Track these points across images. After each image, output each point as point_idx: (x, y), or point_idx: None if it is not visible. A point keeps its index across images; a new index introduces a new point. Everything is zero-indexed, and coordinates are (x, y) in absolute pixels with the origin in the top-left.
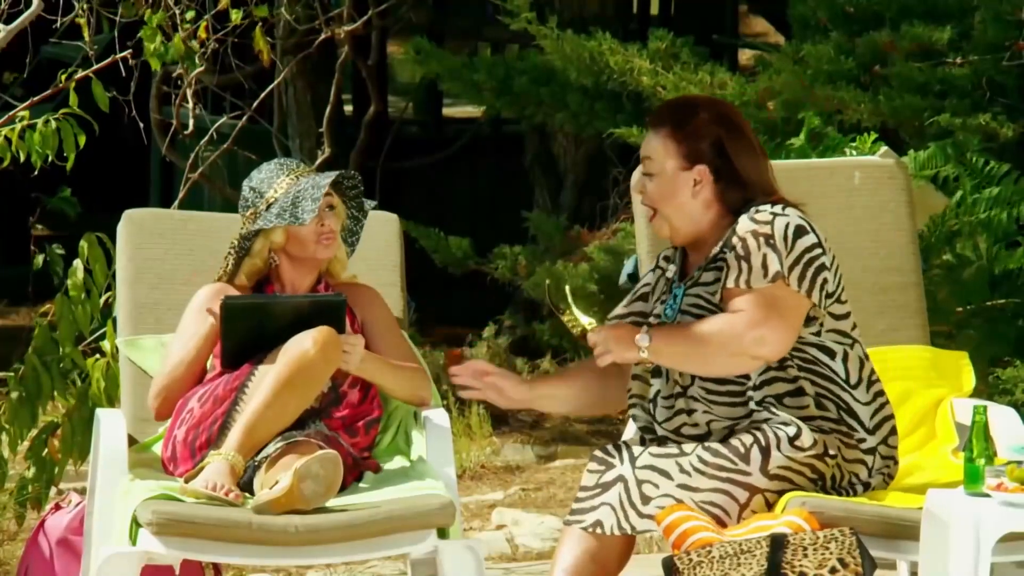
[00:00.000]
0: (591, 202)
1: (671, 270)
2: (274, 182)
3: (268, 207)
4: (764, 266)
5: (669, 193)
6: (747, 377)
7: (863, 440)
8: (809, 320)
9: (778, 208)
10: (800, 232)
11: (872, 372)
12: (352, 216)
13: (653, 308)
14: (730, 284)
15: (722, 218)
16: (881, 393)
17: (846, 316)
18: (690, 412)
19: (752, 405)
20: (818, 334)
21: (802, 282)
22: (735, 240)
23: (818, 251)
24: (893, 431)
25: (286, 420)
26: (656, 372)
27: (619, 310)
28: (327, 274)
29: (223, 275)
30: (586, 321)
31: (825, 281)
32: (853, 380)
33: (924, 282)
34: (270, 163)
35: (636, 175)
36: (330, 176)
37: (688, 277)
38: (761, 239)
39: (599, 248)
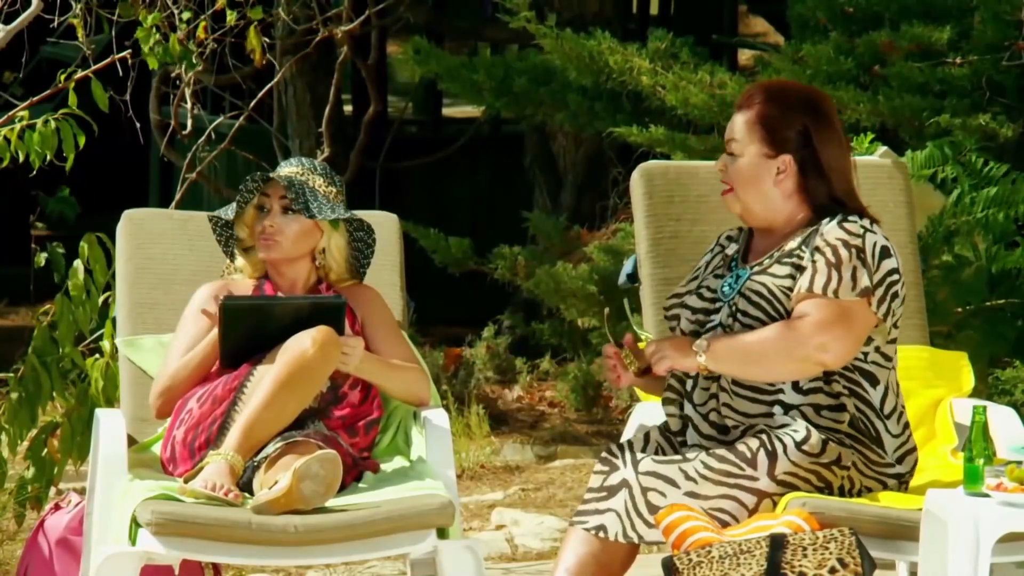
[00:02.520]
0: (591, 202)
1: (732, 248)
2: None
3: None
4: (854, 279)
5: (750, 178)
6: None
7: (887, 470)
8: (867, 339)
9: (866, 222)
10: (885, 254)
11: (901, 403)
12: (355, 246)
13: (704, 280)
14: (816, 288)
15: (800, 209)
16: (907, 425)
17: (894, 341)
18: (719, 398)
19: (776, 408)
20: (866, 356)
21: (881, 304)
22: (823, 244)
23: (896, 277)
24: (915, 464)
25: (285, 420)
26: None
27: (679, 290)
28: (326, 277)
29: (227, 270)
30: (643, 334)
31: (894, 310)
32: (887, 410)
33: (923, 282)
34: (292, 159)
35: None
36: (268, 176)
37: (756, 262)
38: (853, 251)
39: (599, 248)
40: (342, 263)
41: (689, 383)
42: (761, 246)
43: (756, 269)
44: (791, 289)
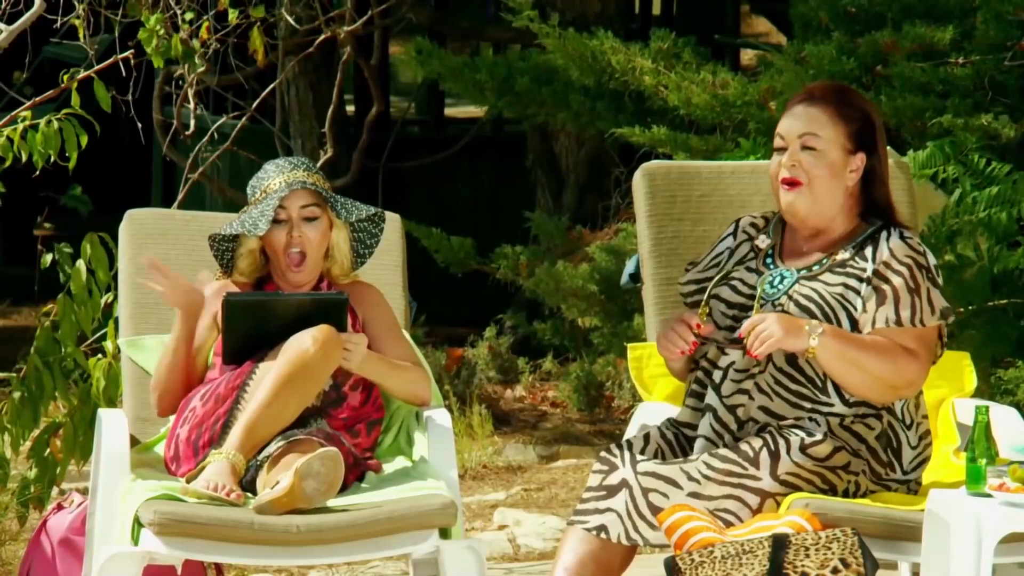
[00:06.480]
0: (593, 202)
1: (763, 240)
2: (267, 181)
3: (250, 207)
4: (931, 303)
5: (829, 173)
6: (824, 391)
7: (896, 478)
8: None
9: (919, 239)
10: (938, 273)
11: (924, 411)
12: (358, 238)
13: (735, 271)
14: (905, 320)
15: (848, 214)
16: (927, 433)
17: None
18: (750, 395)
19: (815, 416)
20: None
21: (944, 327)
22: (895, 263)
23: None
24: (925, 469)
25: (287, 418)
26: (735, 342)
27: (693, 275)
28: (328, 274)
29: (219, 275)
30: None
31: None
32: (908, 420)
33: None
34: (279, 159)
35: (786, 156)
36: (291, 188)
37: (803, 267)
38: (923, 272)
39: (601, 248)
40: (347, 255)
41: (718, 374)
42: (802, 246)
43: (804, 274)
44: (843, 296)
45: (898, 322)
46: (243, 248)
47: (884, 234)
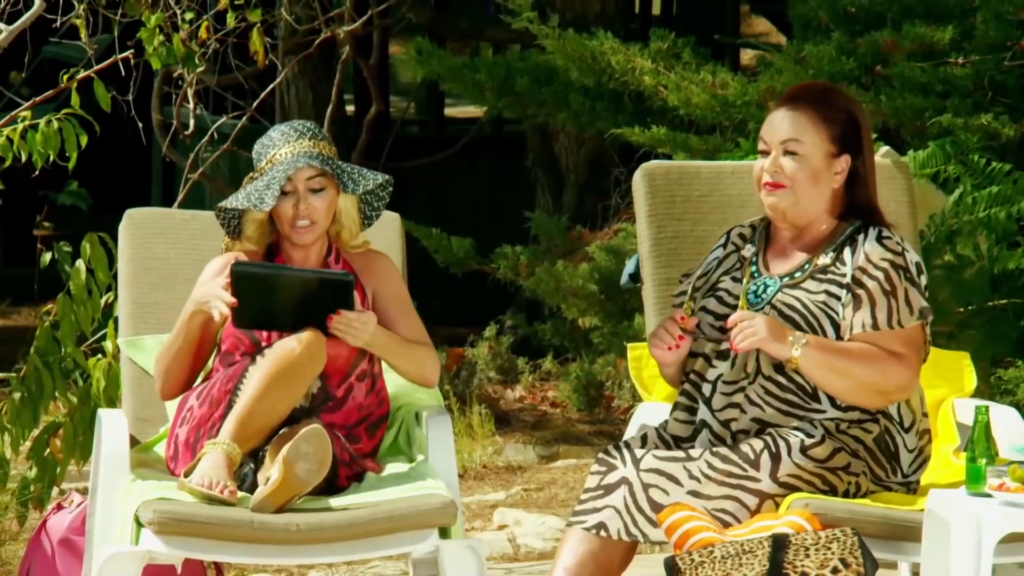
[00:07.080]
0: (592, 202)
1: (748, 249)
2: (273, 150)
3: (256, 177)
4: (908, 303)
5: (813, 177)
6: (815, 398)
7: (896, 480)
8: None
9: (899, 236)
10: (920, 271)
11: (924, 409)
12: (365, 200)
13: (720, 281)
14: (882, 323)
15: (831, 215)
16: (927, 432)
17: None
18: (742, 408)
19: (811, 415)
20: None
21: (926, 327)
22: (870, 267)
23: (926, 294)
24: (925, 469)
25: (278, 413)
26: (723, 355)
27: (684, 286)
28: (336, 239)
29: (228, 245)
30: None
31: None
32: (906, 423)
33: None
34: (284, 126)
35: (768, 162)
36: (296, 165)
37: (785, 274)
38: (901, 272)
39: (600, 248)
40: (355, 220)
41: (707, 387)
42: (784, 251)
43: (787, 282)
44: (826, 304)
45: (875, 325)
46: (248, 216)
47: (862, 236)
